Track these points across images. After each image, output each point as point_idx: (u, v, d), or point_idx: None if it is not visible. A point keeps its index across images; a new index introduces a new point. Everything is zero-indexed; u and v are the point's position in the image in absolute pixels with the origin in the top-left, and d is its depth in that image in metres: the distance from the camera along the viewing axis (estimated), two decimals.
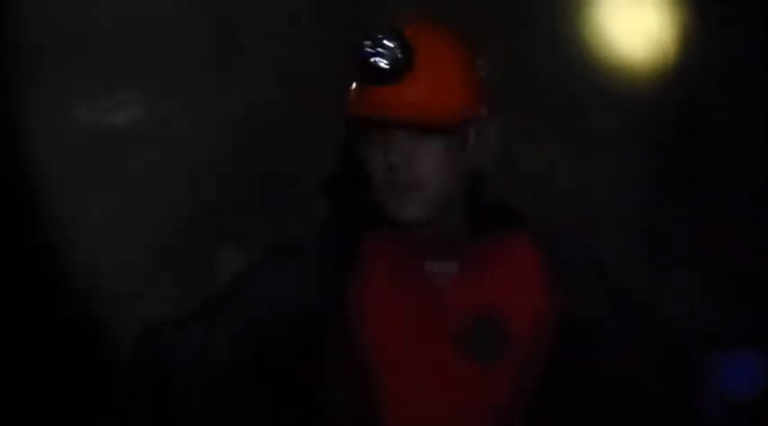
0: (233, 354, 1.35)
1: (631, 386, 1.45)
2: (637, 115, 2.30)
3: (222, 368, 1.35)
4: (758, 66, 2.23)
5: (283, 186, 2.10)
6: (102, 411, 1.78)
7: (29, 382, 1.83)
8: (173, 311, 1.72)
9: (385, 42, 1.26)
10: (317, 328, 1.35)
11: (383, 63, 1.25)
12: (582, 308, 1.37)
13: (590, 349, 1.40)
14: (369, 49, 1.26)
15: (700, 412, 1.36)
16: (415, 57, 1.26)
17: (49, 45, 1.96)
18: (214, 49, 2.08)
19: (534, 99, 2.28)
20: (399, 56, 1.25)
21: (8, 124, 1.92)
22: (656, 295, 2.26)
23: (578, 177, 2.30)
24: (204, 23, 2.07)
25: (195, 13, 2.06)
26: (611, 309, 1.40)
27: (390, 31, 1.27)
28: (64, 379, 1.86)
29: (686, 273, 2.28)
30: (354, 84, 1.33)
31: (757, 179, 2.24)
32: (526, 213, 1.43)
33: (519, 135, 2.28)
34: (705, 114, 2.28)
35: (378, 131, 1.29)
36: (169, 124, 2.05)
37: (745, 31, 2.23)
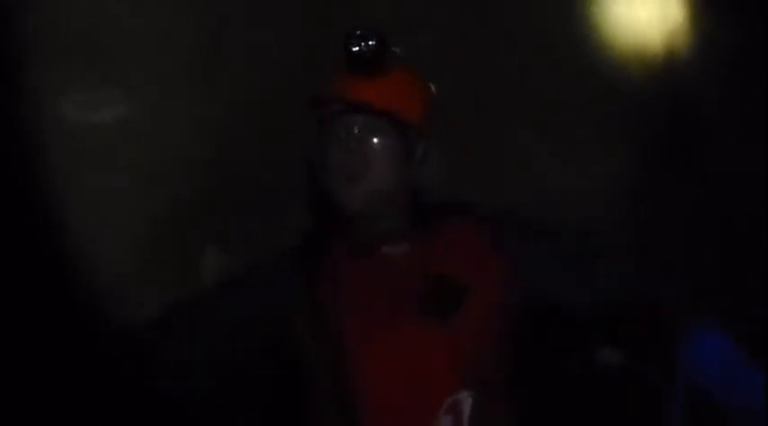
0: (211, 360, 1.50)
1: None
2: (628, 117, 2.30)
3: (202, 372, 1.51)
4: (755, 68, 2.23)
5: (267, 186, 2.11)
6: (88, 406, 1.78)
7: (14, 378, 1.82)
8: (157, 309, 1.73)
9: (367, 34, 1.44)
10: (291, 331, 1.49)
11: (363, 50, 1.43)
12: (533, 270, 1.52)
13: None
14: (354, 39, 1.44)
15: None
16: (388, 58, 1.45)
17: (33, 42, 1.96)
18: (198, 50, 2.09)
19: (525, 99, 2.29)
20: (378, 48, 1.44)
21: None
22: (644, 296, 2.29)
23: (567, 179, 2.30)
24: (188, 24, 2.08)
25: (180, 15, 2.07)
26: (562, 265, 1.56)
27: (372, 28, 1.45)
28: (51, 374, 1.86)
29: (676, 278, 2.28)
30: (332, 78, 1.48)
31: (752, 181, 2.24)
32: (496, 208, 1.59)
33: (509, 136, 2.30)
34: (699, 116, 2.29)
35: (338, 122, 1.44)
36: (154, 123, 2.05)
37: (741, 31, 2.23)
